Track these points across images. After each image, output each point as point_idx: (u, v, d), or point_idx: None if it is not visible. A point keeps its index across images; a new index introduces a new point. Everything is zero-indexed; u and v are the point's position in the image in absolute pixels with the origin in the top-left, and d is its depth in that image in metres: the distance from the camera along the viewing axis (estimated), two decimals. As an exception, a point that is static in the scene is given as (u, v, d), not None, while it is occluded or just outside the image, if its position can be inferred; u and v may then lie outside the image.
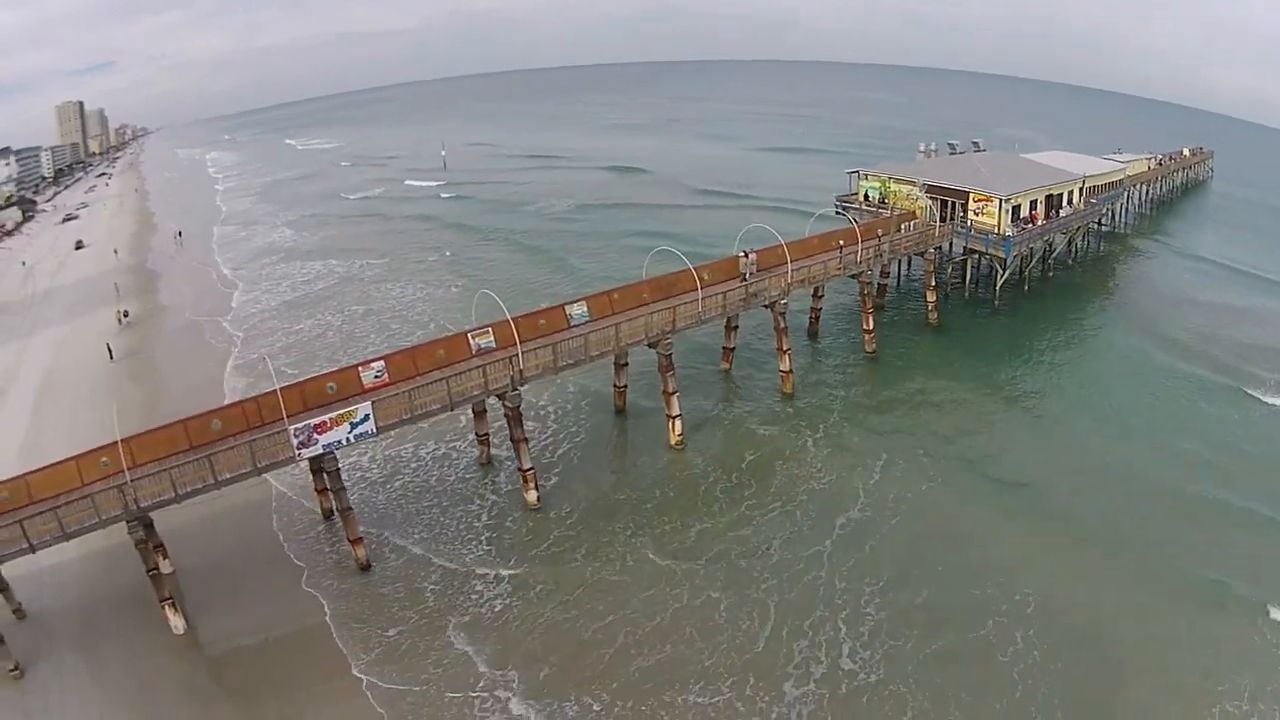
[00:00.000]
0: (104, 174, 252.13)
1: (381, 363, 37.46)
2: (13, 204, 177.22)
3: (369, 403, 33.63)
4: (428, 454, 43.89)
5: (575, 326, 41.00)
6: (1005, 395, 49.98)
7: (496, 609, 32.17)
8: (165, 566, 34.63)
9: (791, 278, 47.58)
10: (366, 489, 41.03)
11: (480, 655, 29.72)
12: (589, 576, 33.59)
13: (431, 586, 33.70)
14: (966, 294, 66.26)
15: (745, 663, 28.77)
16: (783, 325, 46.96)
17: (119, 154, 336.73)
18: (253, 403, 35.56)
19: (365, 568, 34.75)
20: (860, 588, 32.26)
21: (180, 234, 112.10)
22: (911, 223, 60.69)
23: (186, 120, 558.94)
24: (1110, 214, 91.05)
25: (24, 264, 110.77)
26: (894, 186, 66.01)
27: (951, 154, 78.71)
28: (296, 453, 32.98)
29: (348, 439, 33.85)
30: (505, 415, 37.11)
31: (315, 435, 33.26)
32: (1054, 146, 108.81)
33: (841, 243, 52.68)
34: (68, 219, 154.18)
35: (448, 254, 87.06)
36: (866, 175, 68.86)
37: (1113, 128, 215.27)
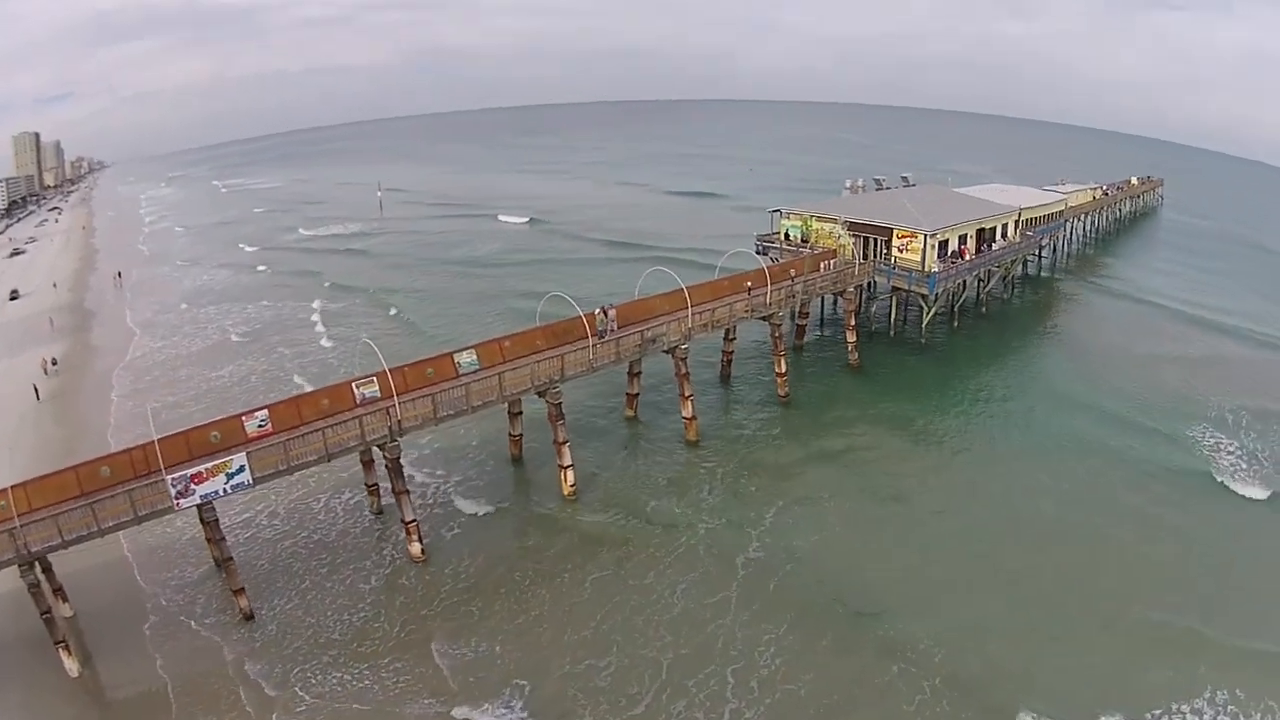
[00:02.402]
0: (56, 208, 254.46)
1: (265, 412, 39.18)
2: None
3: (244, 454, 35.44)
4: (325, 503, 45.43)
5: (464, 375, 42.80)
6: (918, 439, 51.29)
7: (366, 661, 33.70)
8: (65, 610, 36.60)
9: (693, 322, 49.64)
10: (261, 537, 42.56)
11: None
12: (473, 635, 34.67)
13: (299, 643, 35.06)
14: (892, 333, 68.33)
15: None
16: (684, 371, 48.84)
17: (74, 188, 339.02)
18: (140, 450, 36.93)
19: (249, 618, 36.26)
20: (749, 636, 33.74)
21: (119, 275, 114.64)
22: (830, 261, 62.89)
23: (143, 155, 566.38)
24: (1052, 246, 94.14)
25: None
26: (816, 225, 68.47)
27: (878, 189, 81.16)
28: (175, 502, 34.70)
29: (224, 489, 35.52)
30: (385, 466, 38.90)
31: (192, 485, 34.94)
32: (1001, 180, 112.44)
33: (750, 285, 54.78)
34: (15, 253, 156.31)
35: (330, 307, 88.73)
36: (788, 214, 71.29)
37: (1067, 160, 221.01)
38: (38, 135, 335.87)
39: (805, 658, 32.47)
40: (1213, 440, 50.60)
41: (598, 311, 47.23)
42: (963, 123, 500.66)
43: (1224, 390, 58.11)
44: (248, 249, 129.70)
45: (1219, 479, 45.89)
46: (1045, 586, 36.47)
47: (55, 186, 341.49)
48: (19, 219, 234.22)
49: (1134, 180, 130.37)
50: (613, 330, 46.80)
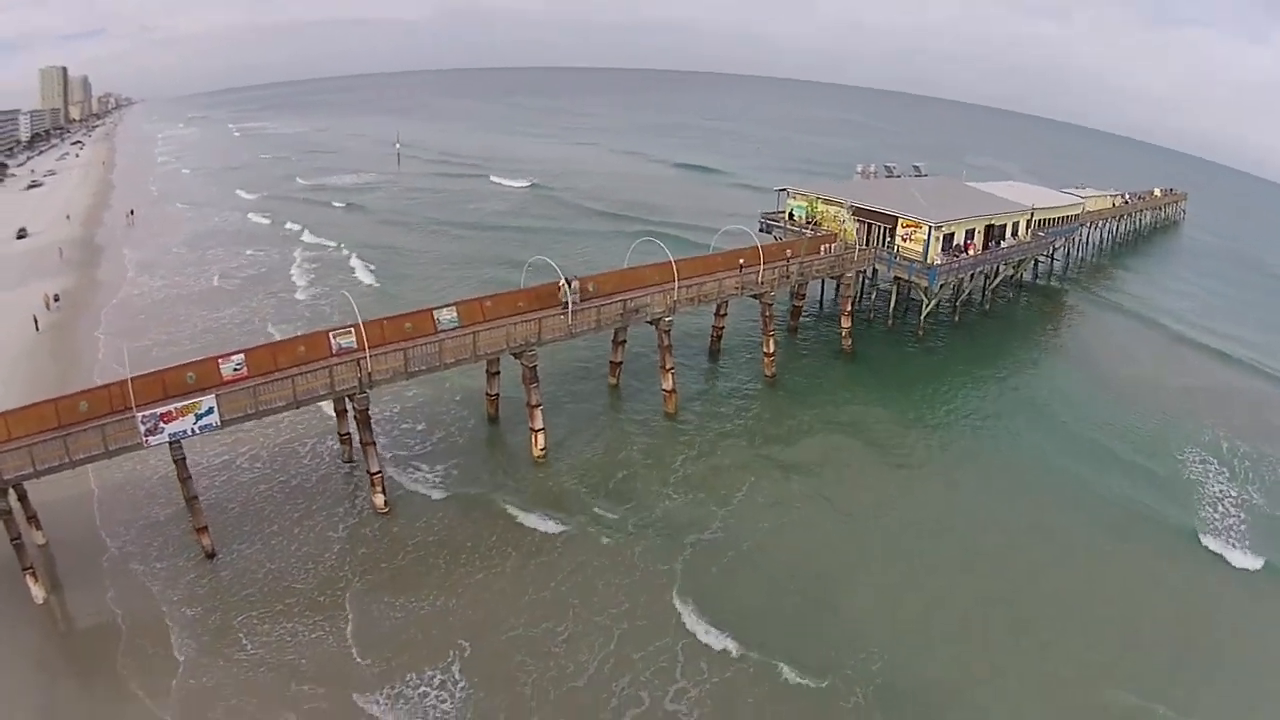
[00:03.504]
0: (79, 142, 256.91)
1: (241, 356, 39.83)
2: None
3: (213, 396, 36.21)
4: (310, 447, 46.31)
5: (442, 331, 43.37)
6: (898, 434, 50.92)
7: (320, 605, 34.54)
8: (39, 537, 38.00)
9: (679, 295, 49.92)
10: (237, 479, 43.44)
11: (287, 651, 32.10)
12: (423, 591, 35.36)
13: (261, 578, 36.09)
14: (890, 323, 68.11)
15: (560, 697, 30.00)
16: (666, 343, 49.13)
17: (99, 123, 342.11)
18: (117, 387, 37.92)
19: (210, 555, 37.18)
20: (699, 612, 34.13)
21: (132, 212, 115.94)
22: (830, 245, 62.83)
23: (172, 95, 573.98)
24: (1065, 250, 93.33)
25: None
26: (821, 207, 68.27)
27: (888, 176, 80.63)
28: (144, 439, 35.60)
29: (193, 429, 36.30)
30: (353, 416, 39.61)
31: (162, 424, 35.82)
32: (1026, 179, 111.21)
33: (742, 262, 54.91)
34: (33, 185, 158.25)
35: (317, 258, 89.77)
36: (794, 194, 71.09)
37: (1096, 166, 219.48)
38: (65, 69, 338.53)
39: (754, 638, 32.91)
40: (1204, 488, 47.15)
41: (562, 283, 47.07)
42: (992, 119, 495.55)
43: (1224, 428, 54.81)
44: (248, 195, 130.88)
45: (1204, 539, 41.90)
46: (994, 633, 34.45)
47: (81, 121, 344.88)
48: (40, 151, 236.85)
49: (1157, 191, 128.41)
50: (576, 302, 46.19)
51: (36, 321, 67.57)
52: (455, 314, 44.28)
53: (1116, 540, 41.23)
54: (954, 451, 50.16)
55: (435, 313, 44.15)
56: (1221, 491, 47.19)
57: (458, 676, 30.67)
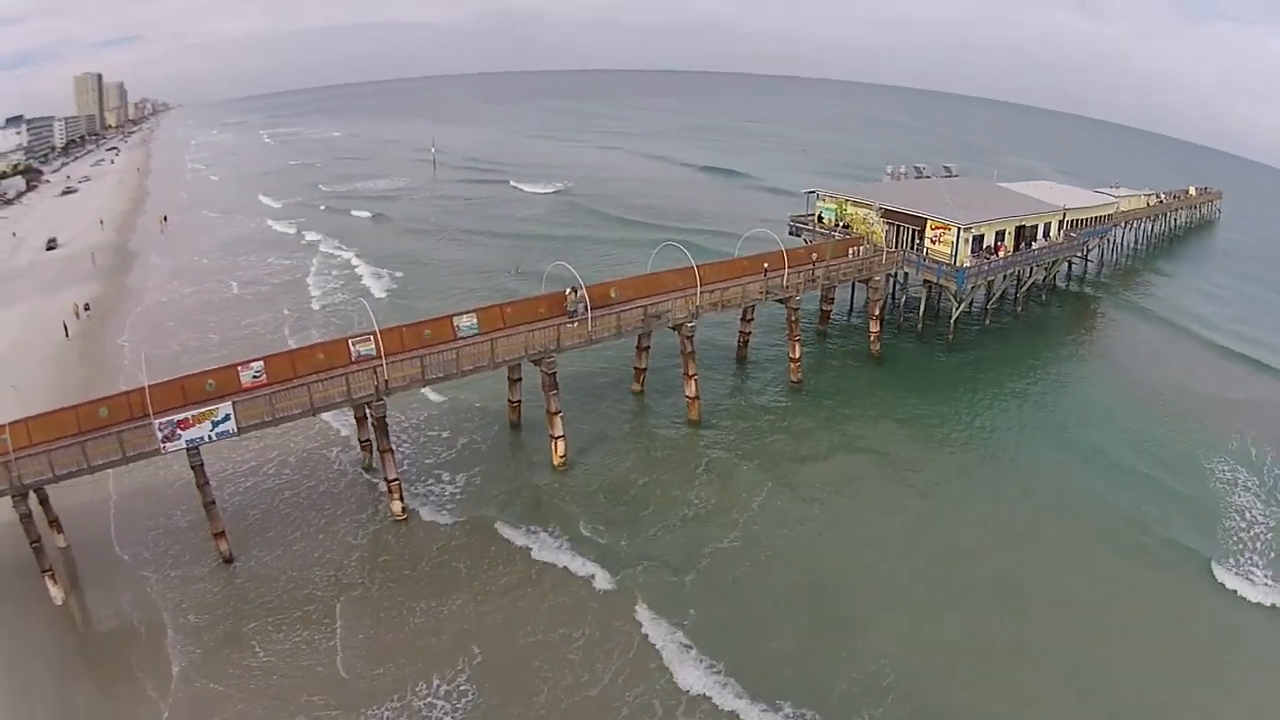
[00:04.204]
0: (114, 148, 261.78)
1: (260, 363, 40.12)
2: (19, 172, 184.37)
3: (230, 403, 36.41)
4: (335, 455, 46.61)
5: (461, 338, 43.33)
6: (923, 443, 49.73)
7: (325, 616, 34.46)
8: (60, 541, 38.75)
9: (701, 300, 49.50)
10: (263, 486, 43.76)
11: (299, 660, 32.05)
12: (436, 599, 35.22)
13: (278, 584, 36.20)
14: (920, 326, 67.10)
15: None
16: (689, 349, 48.61)
17: (135, 129, 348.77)
18: (137, 394, 38.38)
19: (228, 561, 37.40)
20: (716, 618, 33.98)
21: (165, 219, 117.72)
22: (858, 248, 62.13)
23: (209, 100, 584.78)
24: (1100, 251, 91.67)
25: (14, 235, 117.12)
26: (850, 209, 67.59)
27: (918, 177, 79.69)
28: (161, 446, 35.90)
29: (210, 436, 36.56)
30: (371, 424, 39.65)
31: (179, 430, 36.11)
32: (1058, 178, 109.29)
33: (766, 266, 54.40)
34: (66, 192, 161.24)
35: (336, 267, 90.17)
36: (824, 196, 70.45)
37: (1130, 163, 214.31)
38: (100, 76, 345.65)
39: (766, 649, 32.58)
40: (1231, 516, 43.41)
41: (568, 292, 46.64)
42: (1026, 116, 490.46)
43: (1259, 445, 51.46)
44: (273, 203, 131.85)
45: (1220, 575, 38.53)
46: (998, 654, 33.26)
47: (117, 127, 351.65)
48: (76, 158, 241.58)
49: (1191, 190, 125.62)
50: (582, 311, 45.69)
51: (66, 328, 68.87)
52: (475, 321, 44.28)
53: (1148, 572, 38.62)
54: (980, 471, 47.86)
55: (455, 319, 44.23)
56: (1246, 519, 43.45)
57: (465, 685, 30.53)
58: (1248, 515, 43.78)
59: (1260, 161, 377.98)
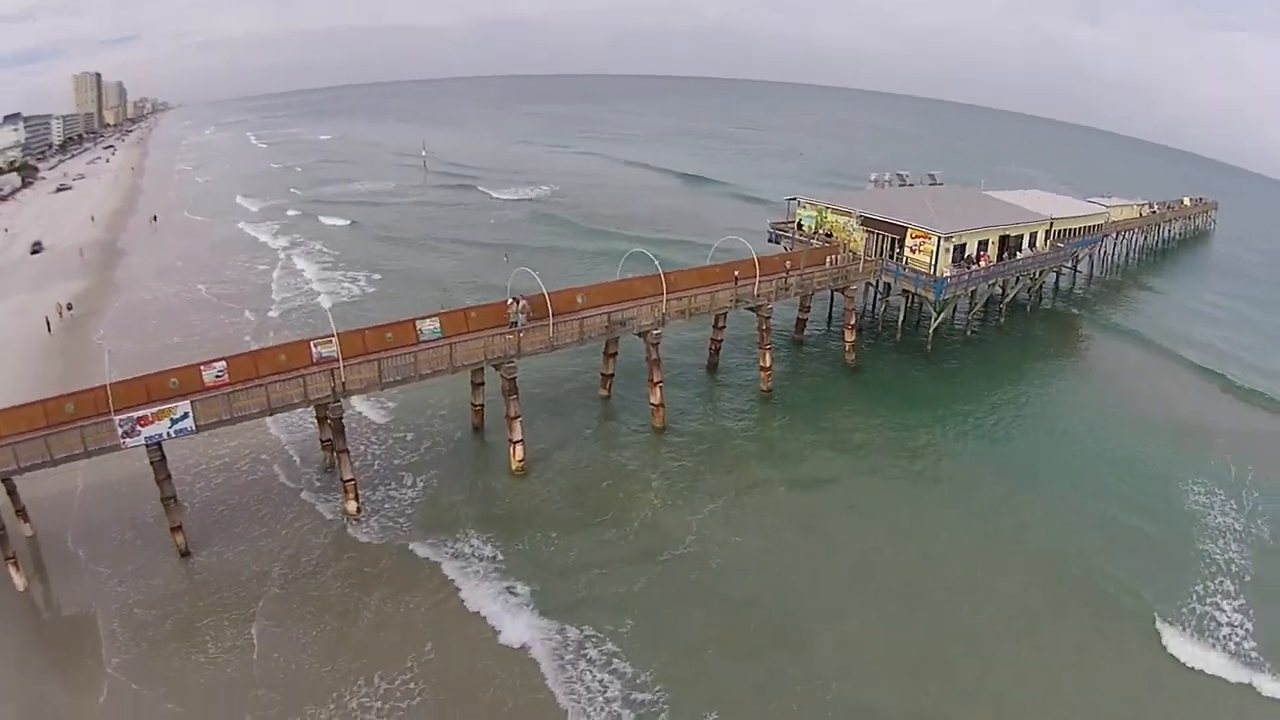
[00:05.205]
0: (110, 146, 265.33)
1: (223, 363, 41.50)
2: (15, 169, 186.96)
3: (188, 401, 37.93)
4: (307, 452, 48.12)
5: (423, 342, 44.67)
6: (891, 456, 50.31)
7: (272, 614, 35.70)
8: (26, 530, 40.48)
9: (667, 308, 50.80)
10: (234, 483, 45.36)
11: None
12: (391, 597, 36.49)
13: (232, 579, 37.55)
14: (899, 336, 68.18)
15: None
16: (654, 357, 49.61)
17: (133, 127, 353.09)
18: (102, 390, 39.94)
19: (185, 554, 38.96)
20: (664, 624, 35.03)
21: (155, 218, 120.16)
22: (835, 256, 63.34)
23: (207, 99, 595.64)
24: (1089, 262, 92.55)
25: (6, 231, 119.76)
26: (831, 217, 68.82)
27: (901, 185, 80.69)
28: (122, 441, 37.45)
29: (169, 433, 37.97)
30: (329, 424, 41.11)
31: (139, 427, 37.63)
32: (1053, 187, 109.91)
33: (737, 274, 55.62)
34: (60, 189, 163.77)
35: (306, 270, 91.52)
36: (804, 203, 71.65)
37: (1127, 173, 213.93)
38: (99, 75, 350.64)
39: (703, 657, 33.59)
40: (1196, 566, 41.22)
41: (509, 301, 47.40)
42: (1027, 126, 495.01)
43: (1240, 478, 50.07)
44: (252, 208, 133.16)
45: (1166, 635, 36.18)
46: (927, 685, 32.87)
47: (115, 125, 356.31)
48: (72, 155, 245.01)
49: (1186, 201, 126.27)
50: (524, 321, 46.47)
51: (49, 324, 70.75)
52: (438, 325, 45.40)
53: (1093, 621, 37.04)
54: (946, 490, 47.69)
55: (418, 323, 45.31)
56: (1215, 589, 39.81)
57: (412, 684, 31.58)
58: (1213, 565, 41.46)
59: (1258, 172, 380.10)
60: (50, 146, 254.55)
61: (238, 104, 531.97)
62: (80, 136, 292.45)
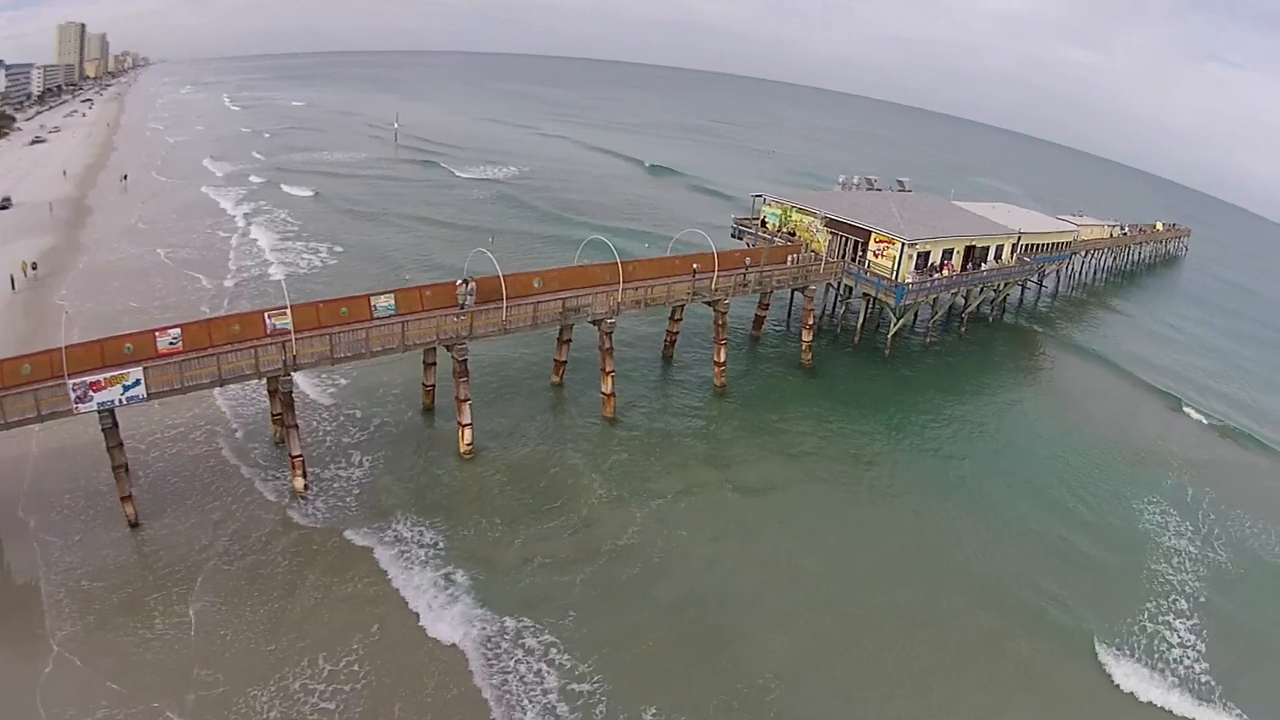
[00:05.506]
0: (88, 100, 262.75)
1: (178, 330, 42.08)
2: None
3: (140, 368, 38.74)
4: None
5: (377, 319, 45.58)
6: (842, 456, 51.63)
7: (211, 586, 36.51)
8: None
9: (623, 297, 51.81)
10: (190, 453, 45.87)
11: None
12: (334, 576, 37.22)
13: (178, 551, 38.25)
14: (858, 339, 69.52)
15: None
16: (607, 346, 50.72)
17: (113, 81, 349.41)
18: (57, 353, 40.60)
19: (134, 525, 39.61)
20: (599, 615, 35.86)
21: (125, 177, 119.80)
22: (797, 255, 64.59)
23: (190, 57, 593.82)
24: (1056, 278, 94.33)
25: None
26: (796, 216, 70.04)
27: (869, 189, 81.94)
28: (74, 406, 38.20)
29: (120, 400, 38.74)
30: (279, 398, 42.03)
31: (91, 392, 38.38)
32: (1026, 202, 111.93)
33: (696, 267, 56.82)
34: (35, 141, 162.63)
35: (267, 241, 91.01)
36: (769, 201, 72.77)
37: (1104, 195, 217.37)
38: (83, 26, 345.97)
39: (643, 652, 34.56)
40: (1154, 603, 41.46)
41: (459, 284, 47.98)
42: (1013, 143, 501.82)
43: (1196, 501, 51.73)
44: (219, 172, 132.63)
45: (1104, 658, 36.99)
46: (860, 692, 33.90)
47: (95, 78, 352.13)
48: (50, 106, 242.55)
49: (1159, 225, 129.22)
50: (470, 304, 47.13)
51: (13, 282, 70.99)
52: (392, 301, 46.15)
53: (1027, 643, 37.45)
54: (897, 501, 48.23)
55: (373, 299, 46.01)
56: (1163, 623, 40.42)
57: (356, 666, 32.30)
58: (1166, 587, 42.78)
59: (1238, 204, 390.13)
60: (29, 97, 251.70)
61: (221, 64, 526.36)
62: (59, 88, 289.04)
